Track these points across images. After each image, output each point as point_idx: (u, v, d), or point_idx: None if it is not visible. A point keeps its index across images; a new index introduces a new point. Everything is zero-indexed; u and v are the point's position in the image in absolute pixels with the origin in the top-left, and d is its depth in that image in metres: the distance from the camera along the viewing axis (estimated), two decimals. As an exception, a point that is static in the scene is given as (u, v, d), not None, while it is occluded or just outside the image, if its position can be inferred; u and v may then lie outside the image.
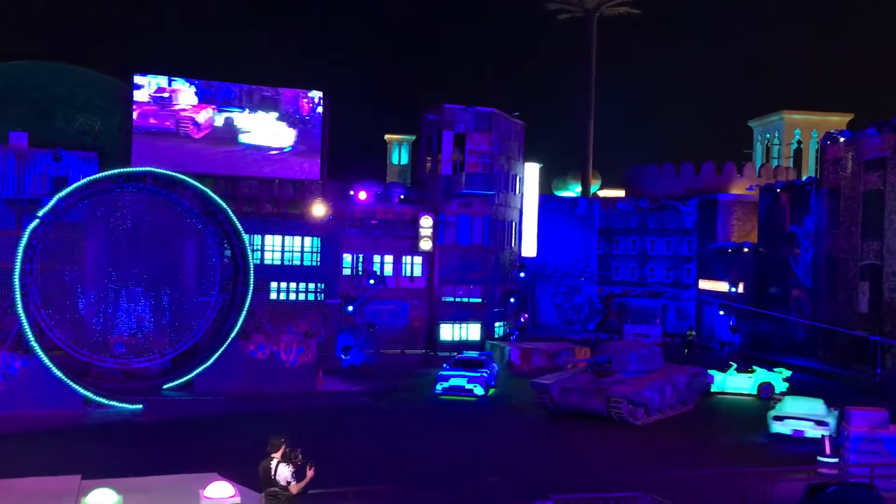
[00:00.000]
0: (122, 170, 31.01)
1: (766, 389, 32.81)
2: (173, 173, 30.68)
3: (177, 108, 38.10)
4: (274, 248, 39.61)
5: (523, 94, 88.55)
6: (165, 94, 37.89)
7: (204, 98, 39.09)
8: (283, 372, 31.52)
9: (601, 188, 67.08)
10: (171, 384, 30.39)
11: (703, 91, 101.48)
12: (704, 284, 51.95)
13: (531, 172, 50.01)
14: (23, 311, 26.77)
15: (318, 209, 40.24)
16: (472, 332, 43.40)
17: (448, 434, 25.58)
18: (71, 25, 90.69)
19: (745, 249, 48.58)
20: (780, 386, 32.92)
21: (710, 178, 56.31)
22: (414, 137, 65.40)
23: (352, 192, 43.33)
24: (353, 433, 25.43)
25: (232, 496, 12.85)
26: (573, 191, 64.62)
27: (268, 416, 26.71)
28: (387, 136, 74.98)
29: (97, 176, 29.77)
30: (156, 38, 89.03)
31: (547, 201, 53.66)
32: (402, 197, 45.03)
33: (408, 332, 43.11)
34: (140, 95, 37.56)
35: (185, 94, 38.33)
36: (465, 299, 43.59)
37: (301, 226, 39.97)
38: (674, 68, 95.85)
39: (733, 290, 48.53)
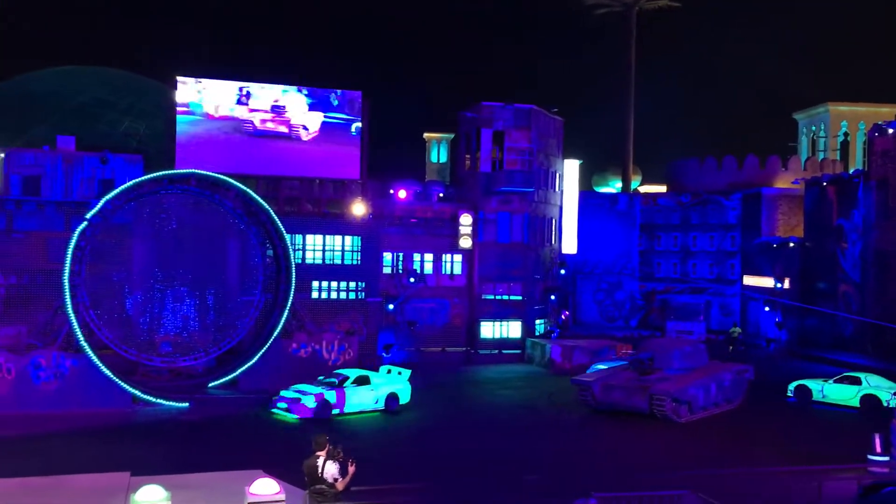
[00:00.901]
0: (166, 172, 31.58)
1: None
2: (216, 175, 31.14)
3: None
4: (315, 247, 39.97)
5: (562, 90, 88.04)
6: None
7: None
8: (326, 370, 31.77)
9: (642, 184, 66.41)
10: (216, 382, 30.85)
11: (745, 83, 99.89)
12: (749, 280, 51.13)
13: (571, 169, 49.68)
14: (72, 312, 27.39)
15: (359, 208, 40.50)
16: (513, 329, 43.29)
17: (489, 432, 25.56)
18: (113, 30, 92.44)
19: (791, 244, 47.71)
20: None
21: (753, 172, 55.42)
22: (453, 135, 65.37)
23: (391, 191, 43.49)
24: (396, 431, 25.56)
25: (277, 493, 12.99)
26: (613, 187, 64.08)
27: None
28: (426, 135, 75.07)
29: (143, 178, 30.36)
30: (191, 40, 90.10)
31: (587, 198, 53.25)
32: (441, 195, 45.07)
33: (448, 330, 43.15)
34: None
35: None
36: (505, 297, 43.49)
37: (341, 225, 40.27)
38: (715, 60, 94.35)
39: (779, 285, 47.69)
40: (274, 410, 27.02)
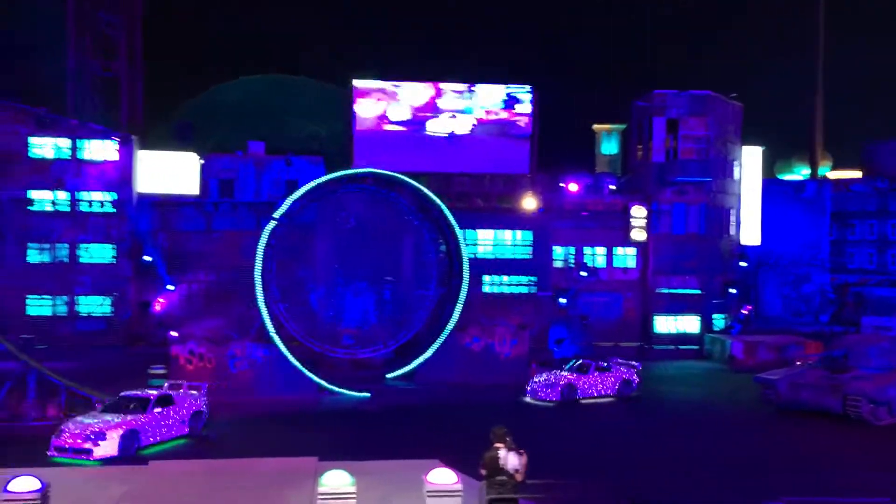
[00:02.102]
0: (345, 171, 33.12)
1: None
2: (391, 173, 32.26)
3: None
4: (486, 242, 40.52)
5: (742, 71, 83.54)
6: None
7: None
8: (498, 363, 32.08)
9: (832, 169, 61.93)
10: (393, 374, 31.97)
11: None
12: (959, 272, 46.46)
13: (752, 156, 47.20)
14: (264, 306, 29.33)
15: (529, 202, 40.62)
16: (690, 324, 41.77)
17: (667, 429, 24.82)
18: (290, 39, 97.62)
19: None
20: None
21: (963, 153, 50.31)
22: (623, 126, 63.98)
23: (561, 185, 43.29)
24: (568, 424, 25.38)
25: (454, 482, 13.26)
26: (799, 173, 60.22)
27: (484, 406, 27.28)
28: (595, 126, 74.01)
29: (324, 178, 32.03)
30: (363, 44, 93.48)
31: (770, 185, 50.41)
32: (612, 187, 44.30)
33: (621, 324, 42.32)
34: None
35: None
36: (681, 290, 42.04)
37: (512, 219, 40.55)
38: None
39: None
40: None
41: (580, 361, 29.99)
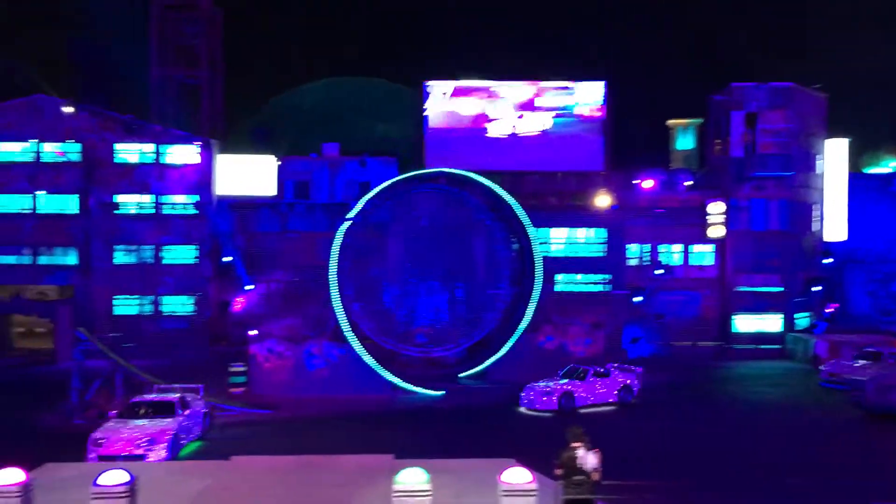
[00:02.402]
0: (417, 172, 33.41)
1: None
2: (464, 172, 32.38)
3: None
4: (559, 240, 40.25)
5: (827, 61, 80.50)
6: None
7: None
8: (572, 363, 31.83)
9: (923, 161, 59.20)
10: (466, 373, 32.06)
11: None
12: None
13: (837, 149, 45.50)
14: (339, 305, 29.82)
15: (603, 200, 40.18)
16: (771, 323, 40.60)
17: (752, 429, 24.20)
18: (361, 42, 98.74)
19: None
20: None
21: None
22: (700, 121, 62.50)
23: (636, 181, 42.67)
24: (647, 425, 24.99)
25: (529, 482, 13.22)
26: (887, 166, 57.79)
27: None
28: (669, 122, 72.53)
29: (396, 178, 32.42)
30: (432, 42, 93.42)
31: (856, 179, 48.50)
32: (688, 183, 43.41)
33: (699, 323, 41.44)
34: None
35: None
36: (761, 289, 40.91)
37: (585, 217, 40.19)
38: None
39: None
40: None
41: (577, 367, 27.99)
